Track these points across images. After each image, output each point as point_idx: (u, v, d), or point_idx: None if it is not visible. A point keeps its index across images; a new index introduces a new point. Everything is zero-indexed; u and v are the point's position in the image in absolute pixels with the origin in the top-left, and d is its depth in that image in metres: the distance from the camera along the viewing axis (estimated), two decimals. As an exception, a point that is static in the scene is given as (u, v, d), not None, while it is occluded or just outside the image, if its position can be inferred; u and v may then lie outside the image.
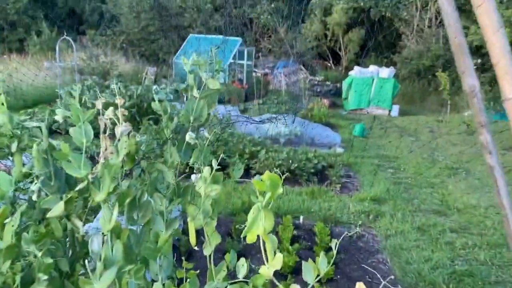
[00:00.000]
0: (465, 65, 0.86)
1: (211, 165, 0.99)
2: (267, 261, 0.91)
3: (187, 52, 15.83)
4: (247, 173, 6.12)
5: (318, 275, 0.96)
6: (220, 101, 14.52)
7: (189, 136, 1.03)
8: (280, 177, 0.93)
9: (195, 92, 0.99)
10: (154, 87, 1.05)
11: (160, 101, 1.07)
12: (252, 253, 3.79)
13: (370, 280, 3.49)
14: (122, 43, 22.83)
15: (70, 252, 0.95)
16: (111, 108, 0.96)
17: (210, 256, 1.01)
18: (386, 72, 14.03)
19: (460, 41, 1.09)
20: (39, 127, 0.97)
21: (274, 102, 12.68)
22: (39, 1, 24.96)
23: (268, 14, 21.04)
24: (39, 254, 0.80)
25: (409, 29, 18.18)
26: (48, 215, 0.86)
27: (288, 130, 8.32)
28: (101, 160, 0.91)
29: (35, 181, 0.90)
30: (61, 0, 25.59)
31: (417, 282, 3.50)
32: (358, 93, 14.15)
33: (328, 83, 17.26)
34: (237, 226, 4.08)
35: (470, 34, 14.87)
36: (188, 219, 0.92)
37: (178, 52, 16.31)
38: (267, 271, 0.90)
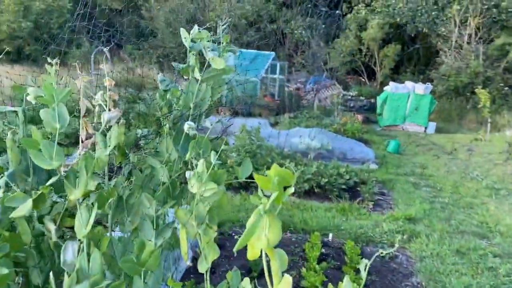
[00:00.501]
0: None
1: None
2: (271, 284, 0.72)
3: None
4: (275, 187, 5.94)
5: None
6: (251, 114, 14.47)
7: (188, 126, 0.88)
8: (293, 172, 0.76)
9: (197, 73, 0.84)
10: (159, 75, 0.93)
11: (165, 91, 0.94)
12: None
13: (403, 305, 3.23)
14: (158, 57, 23.28)
15: (48, 262, 0.81)
16: (100, 92, 0.82)
17: (206, 273, 0.83)
18: (422, 88, 13.62)
19: None
20: (15, 112, 0.84)
21: (305, 116, 12.49)
22: (80, 15, 25.89)
23: (302, 29, 20.98)
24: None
25: (447, 45, 17.64)
26: (12, 214, 0.72)
27: (319, 144, 8.09)
28: (80, 151, 0.77)
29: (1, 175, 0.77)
30: (101, 14, 26.44)
31: (456, 310, 3.21)
32: (393, 109, 13.77)
33: (362, 98, 16.92)
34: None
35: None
36: (179, 227, 0.77)
37: (211, 65, 16.42)
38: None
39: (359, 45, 19.79)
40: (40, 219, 0.81)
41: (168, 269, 3.19)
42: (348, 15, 20.48)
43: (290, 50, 22.21)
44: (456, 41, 17.40)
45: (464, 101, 16.37)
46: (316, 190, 5.81)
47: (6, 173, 0.79)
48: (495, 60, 16.48)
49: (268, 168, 4.17)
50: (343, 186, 5.87)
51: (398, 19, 18.61)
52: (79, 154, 0.77)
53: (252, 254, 0.71)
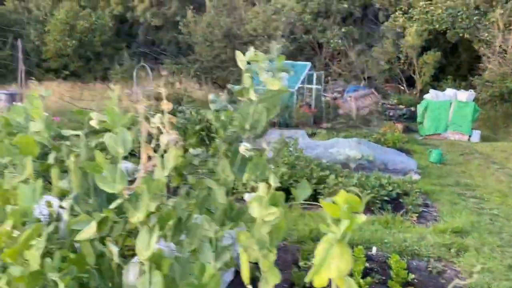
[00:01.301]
0: None
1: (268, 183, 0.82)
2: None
3: (255, 77, 16.03)
4: (315, 200, 5.87)
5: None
6: (288, 125, 14.45)
7: (244, 147, 0.89)
8: (360, 198, 0.74)
9: (252, 95, 0.85)
10: (211, 95, 0.94)
11: (217, 111, 0.95)
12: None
13: (454, 323, 3.10)
14: (195, 71, 23.74)
15: (109, 283, 0.83)
16: (158, 115, 0.85)
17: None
18: (465, 95, 13.20)
19: None
20: (78, 135, 0.88)
21: (344, 126, 12.35)
22: (122, 33, 26.85)
23: (339, 38, 20.85)
24: (61, 284, 0.69)
25: (490, 50, 17.04)
26: (77, 237, 0.75)
27: (360, 154, 7.96)
28: (141, 174, 0.79)
29: (67, 197, 0.80)
30: (142, 32, 27.29)
31: (511, 330, 3.05)
32: (435, 118, 13.39)
33: (401, 107, 16.57)
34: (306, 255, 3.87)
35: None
36: (240, 251, 0.77)
37: (248, 77, 16.55)
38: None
39: (397, 53, 19.44)
40: (101, 240, 0.84)
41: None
42: (386, 23, 20.20)
43: (326, 60, 22.10)
44: (500, 46, 16.79)
45: (510, 108, 15.72)
46: (357, 202, 5.70)
47: (71, 195, 0.83)
48: (542, 64, 15.77)
49: (308, 179, 4.17)
50: (386, 198, 5.74)
51: (437, 26, 18.18)
52: (140, 177, 0.79)
53: (319, 283, 0.69)
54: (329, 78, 20.55)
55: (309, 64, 16.27)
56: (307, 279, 0.71)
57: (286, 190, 3.99)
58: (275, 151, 4.82)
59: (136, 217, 0.73)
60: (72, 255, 0.80)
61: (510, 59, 16.47)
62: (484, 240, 4.67)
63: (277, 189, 3.96)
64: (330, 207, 0.68)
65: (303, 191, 0.97)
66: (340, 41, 20.68)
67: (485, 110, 15.81)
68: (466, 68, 19.80)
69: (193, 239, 0.81)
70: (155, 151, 0.83)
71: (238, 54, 0.90)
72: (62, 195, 0.87)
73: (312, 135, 12.12)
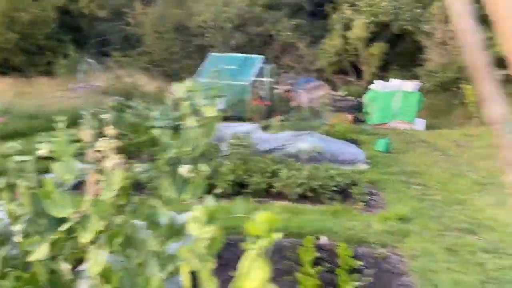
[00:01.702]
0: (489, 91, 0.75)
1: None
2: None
3: (208, 71, 15.97)
4: (268, 192, 6.03)
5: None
6: (242, 119, 14.54)
7: (184, 170, 0.97)
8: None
9: (191, 121, 0.93)
10: (155, 112, 1.00)
11: (159, 127, 1.01)
12: (274, 277, 3.67)
13: (396, 305, 3.34)
14: (145, 64, 23.27)
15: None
16: (103, 140, 0.90)
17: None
18: (410, 85, 13.80)
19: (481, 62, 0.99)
20: (28, 161, 0.92)
21: (296, 119, 12.58)
22: (66, 25, 25.78)
23: (289, 31, 21.12)
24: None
25: (431, 41, 17.89)
26: (31, 258, 0.80)
27: (311, 147, 8.19)
28: (90, 197, 0.85)
29: (18, 221, 0.85)
30: (87, 23, 26.34)
31: (447, 308, 3.32)
32: (381, 108, 13.94)
33: (350, 98, 17.09)
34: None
35: (496, 44, 14.48)
36: (180, 263, 0.85)
37: (200, 71, 16.47)
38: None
39: (346, 45, 19.98)
40: (53, 257, 0.88)
41: None
42: (334, 15, 20.67)
43: (277, 52, 22.33)
44: (440, 38, 17.64)
45: (451, 97, 16.59)
46: (309, 194, 5.90)
47: (23, 218, 0.87)
48: (479, 55, 16.71)
49: (261, 174, 4.32)
50: (335, 189, 5.97)
51: (382, 18, 18.83)
52: (88, 201, 0.85)
53: None
54: (281, 70, 20.81)
55: (261, 57, 16.41)
56: (232, 288, 0.79)
57: (241, 184, 4.20)
58: (229, 147, 4.99)
59: (85, 238, 0.79)
60: (25, 275, 0.84)
61: (450, 50, 17.36)
62: (426, 225, 4.98)
63: (232, 183, 4.14)
64: (251, 227, 0.77)
65: (240, 206, 1.06)
66: (290, 33, 20.96)
67: (428, 99, 16.61)
68: (411, 59, 20.66)
69: (140, 253, 0.88)
70: (102, 172, 0.88)
71: (174, 85, 0.96)
72: (15, 218, 0.90)
73: (265, 128, 12.25)
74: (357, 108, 16.43)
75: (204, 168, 1.02)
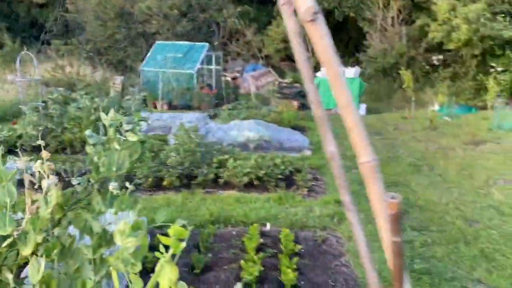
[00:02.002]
0: (325, 133, 0.93)
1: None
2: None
3: (154, 59, 15.76)
4: (216, 182, 6.19)
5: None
6: (190, 107, 14.53)
7: (112, 187, 1.10)
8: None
9: (116, 145, 1.06)
10: (87, 132, 1.11)
11: (93, 145, 1.12)
12: (220, 265, 3.87)
13: (333, 284, 3.62)
14: (88, 52, 22.53)
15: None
16: (38, 162, 1.02)
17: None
18: (351, 71, 14.32)
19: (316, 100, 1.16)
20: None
21: (244, 107, 12.72)
22: (0, 12, 24.35)
23: (235, 17, 21.14)
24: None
25: (373, 28, 18.58)
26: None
27: (258, 135, 8.41)
28: (27, 215, 0.97)
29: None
30: (23, 10, 25.02)
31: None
32: (326, 94, 14.31)
33: (297, 85, 17.47)
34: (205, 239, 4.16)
35: (431, 31, 15.32)
36: (112, 268, 0.99)
37: (146, 60, 16.21)
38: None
39: (291, 32, 20.29)
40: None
41: None
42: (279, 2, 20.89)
43: (224, 39, 22.31)
44: (381, 24, 18.35)
45: (391, 82, 17.40)
46: (255, 183, 6.11)
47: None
48: (416, 41, 17.61)
49: (208, 164, 4.51)
50: (280, 176, 6.22)
51: (325, 5, 19.27)
52: (26, 219, 0.96)
53: None
54: (229, 57, 20.85)
55: (207, 44, 16.36)
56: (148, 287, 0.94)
57: (189, 176, 4.38)
58: (176, 138, 5.10)
59: (25, 251, 0.91)
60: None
61: (390, 36, 18.13)
62: (362, 207, 5.31)
63: (179, 176, 4.29)
64: (164, 239, 0.92)
65: (161, 215, 1.20)
66: (237, 20, 20.99)
67: (370, 84, 17.32)
68: (354, 45, 21.36)
69: (76, 260, 1.01)
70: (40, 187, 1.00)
71: (102, 115, 1.08)
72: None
73: (214, 117, 12.34)
74: (304, 95, 16.85)
75: (129, 186, 1.15)
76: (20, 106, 9.47)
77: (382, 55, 17.48)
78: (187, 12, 21.52)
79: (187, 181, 6.18)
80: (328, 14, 20.25)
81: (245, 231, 4.54)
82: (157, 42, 17.26)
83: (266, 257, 3.89)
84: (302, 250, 4.14)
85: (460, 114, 12.81)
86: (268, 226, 4.72)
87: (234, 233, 4.60)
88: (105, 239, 1.02)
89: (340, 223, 4.86)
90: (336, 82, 0.63)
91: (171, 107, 14.51)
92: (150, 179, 6.08)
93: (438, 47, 16.09)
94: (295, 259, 3.77)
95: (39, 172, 1.01)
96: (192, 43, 16.64)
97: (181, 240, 0.90)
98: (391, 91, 17.06)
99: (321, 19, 0.77)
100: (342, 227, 4.76)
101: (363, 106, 14.43)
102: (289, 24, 0.77)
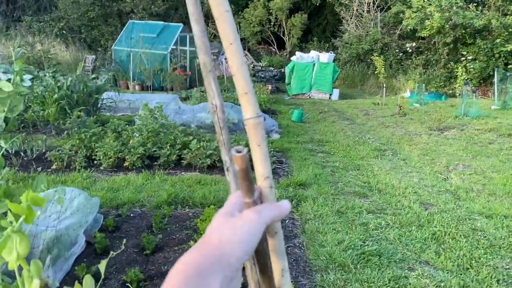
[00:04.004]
0: (208, 84, 0.88)
1: None
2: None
3: (127, 38, 15.43)
4: (179, 164, 6.14)
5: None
6: (163, 89, 14.34)
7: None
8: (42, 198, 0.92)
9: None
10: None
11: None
12: (171, 246, 3.84)
13: (283, 264, 3.64)
14: (61, 30, 21.91)
15: None
16: None
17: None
18: (326, 57, 14.34)
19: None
20: None
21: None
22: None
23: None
24: None
25: (349, 13, 18.57)
26: None
27: (234, 117, 8.36)
28: None
29: None
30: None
31: (327, 264, 3.68)
32: (300, 78, 14.40)
33: (271, 68, 17.40)
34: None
35: (406, 18, 15.40)
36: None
37: (118, 39, 15.85)
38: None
39: (268, 15, 20.13)
40: None
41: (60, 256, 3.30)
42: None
43: (201, 21, 21.95)
44: (357, 10, 18.35)
45: (365, 68, 17.50)
46: (218, 165, 6.09)
47: None
48: (391, 28, 17.70)
49: (172, 145, 4.47)
50: (243, 159, 6.19)
51: (303, -11, 19.15)
52: None
53: (10, 266, 0.87)
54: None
55: (181, 25, 16.10)
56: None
57: (151, 157, 4.34)
58: (140, 118, 5.00)
59: None
60: None
61: (365, 23, 18.16)
62: (322, 190, 5.38)
63: (139, 156, 4.24)
64: (15, 207, 0.85)
65: (41, 181, 1.15)
66: (213, 1, 20.66)
67: (345, 70, 17.39)
68: (330, 30, 21.34)
69: None
70: None
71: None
72: None
73: (185, 98, 12.22)
74: (279, 79, 16.82)
75: (5, 145, 1.10)
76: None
77: (357, 41, 17.52)
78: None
79: (149, 162, 6.11)
80: (306, -2, 20.18)
81: (202, 212, 4.52)
82: (130, 21, 16.89)
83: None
84: (256, 232, 4.14)
85: (430, 101, 13.00)
86: (225, 208, 4.71)
87: (190, 214, 4.58)
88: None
89: (298, 206, 4.89)
90: (228, 49, 0.59)
91: (144, 88, 14.29)
92: (111, 160, 5.98)
93: (412, 34, 16.22)
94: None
95: None
96: (167, 23, 16.34)
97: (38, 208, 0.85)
98: (365, 77, 17.18)
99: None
100: (299, 209, 4.79)
101: (336, 91, 14.51)
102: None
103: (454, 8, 13.46)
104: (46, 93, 7.91)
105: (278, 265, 0.90)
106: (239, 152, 0.67)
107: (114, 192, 5.02)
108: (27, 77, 1.01)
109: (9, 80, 1.04)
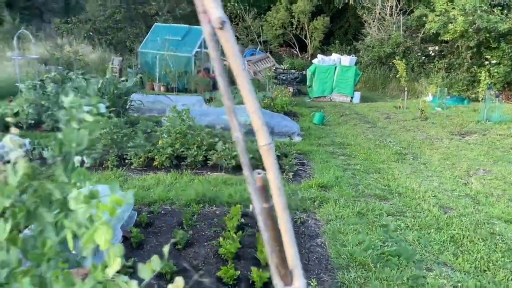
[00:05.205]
0: (232, 120, 1.04)
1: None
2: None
3: (152, 41, 15.83)
4: (206, 164, 6.40)
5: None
6: (187, 90, 14.68)
7: (76, 160, 1.28)
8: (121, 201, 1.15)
9: (74, 124, 1.23)
10: (61, 112, 1.25)
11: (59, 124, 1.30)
12: (201, 241, 4.09)
13: (306, 262, 3.85)
14: (88, 32, 22.52)
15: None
16: (7, 136, 1.20)
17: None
18: (347, 60, 14.45)
19: None
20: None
21: (239, 92, 12.84)
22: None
23: (235, 1, 21.11)
24: None
25: (371, 17, 18.61)
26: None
27: (249, 120, 8.58)
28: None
29: None
30: (23, -13, 24.89)
31: (348, 263, 3.88)
32: (322, 81, 14.54)
33: (293, 71, 17.58)
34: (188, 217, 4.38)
35: (428, 21, 15.38)
36: (67, 231, 1.18)
37: (144, 41, 16.27)
38: (108, 271, 1.08)
39: (290, 18, 20.32)
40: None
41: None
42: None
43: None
44: (379, 13, 18.38)
45: (387, 71, 17.52)
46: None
47: None
48: (413, 31, 17.68)
49: (198, 147, 4.79)
50: (267, 160, 6.42)
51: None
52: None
53: (102, 247, 1.10)
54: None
55: (205, 28, 16.40)
56: (83, 243, 1.10)
57: (179, 157, 4.71)
58: (168, 120, 5.34)
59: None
60: None
61: (387, 26, 18.18)
62: (343, 192, 5.56)
63: (169, 157, 4.58)
64: (102, 206, 1.10)
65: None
66: (236, 4, 20.97)
67: (366, 73, 17.45)
68: (352, 33, 21.39)
69: (40, 223, 1.20)
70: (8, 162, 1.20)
71: (62, 97, 1.25)
72: None
73: (209, 100, 12.49)
74: (300, 81, 16.99)
75: (88, 160, 1.33)
76: (16, 84, 9.61)
77: (379, 44, 17.56)
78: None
79: (177, 162, 6.39)
80: (328, 1, 20.28)
81: (228, 211, 4.76)
82: (156, 24, 17.30)
83: (246, 235, 4.11)
84: (280, 230, 4.35)
85: (452, 105, 12.99)
86: (251, 208, 4.94)
87: (217, 212, 4.83)
88: (66, 206, 1.20)
89: (320, 207, 5.08)
90: (238, 76, 0.84)
91: (168, 89, 14.65)
92: (141, 159, 6.28)
93: (435, 38, 16.19)
94: (272, 238, 3.99)
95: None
96: (191, 26, 16.69)
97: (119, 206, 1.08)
98: (387, 81, 17.19)
99: (228, 27, 0.95)
100: (321, 210, 4.98)
101: (358, 94, 14.61)
102: (206, 30, 0.94)
103: (478, 12, 13.40)
104: (79, 94, 8.26)
105: (291, 251, 1.16)
106: (259, 174, 1.05)
107: (145, 190, 5.31)
108: (101, 106, 1.25)
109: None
